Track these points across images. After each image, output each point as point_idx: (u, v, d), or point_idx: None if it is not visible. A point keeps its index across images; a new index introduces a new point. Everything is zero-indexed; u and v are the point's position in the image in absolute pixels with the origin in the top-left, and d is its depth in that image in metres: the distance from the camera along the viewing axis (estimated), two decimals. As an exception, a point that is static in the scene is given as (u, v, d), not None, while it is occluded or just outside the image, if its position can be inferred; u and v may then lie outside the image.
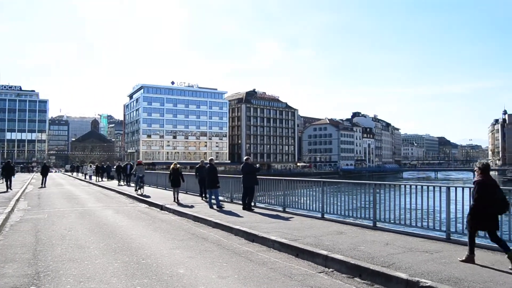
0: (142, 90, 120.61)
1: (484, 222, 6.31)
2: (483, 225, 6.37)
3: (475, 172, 6.54)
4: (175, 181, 17.12)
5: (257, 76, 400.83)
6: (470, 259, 6.41)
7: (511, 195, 7.07)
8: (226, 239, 9.12)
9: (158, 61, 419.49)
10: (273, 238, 8.37)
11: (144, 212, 14.61)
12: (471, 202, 6.51)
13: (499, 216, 6.35)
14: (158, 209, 15.35)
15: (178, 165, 17.76)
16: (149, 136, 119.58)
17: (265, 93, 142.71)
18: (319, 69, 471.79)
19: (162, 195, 20.01)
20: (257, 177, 14.03)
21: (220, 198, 14.97)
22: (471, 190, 6.65)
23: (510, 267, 6.03)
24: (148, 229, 10.67)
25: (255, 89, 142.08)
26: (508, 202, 6.43)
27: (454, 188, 8.19)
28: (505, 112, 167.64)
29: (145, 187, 23.17)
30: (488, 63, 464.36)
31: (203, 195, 17.46)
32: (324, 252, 6.97)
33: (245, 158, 14.64)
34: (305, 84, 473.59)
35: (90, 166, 48.58)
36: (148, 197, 18.91)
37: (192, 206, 14.80)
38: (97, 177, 39.24)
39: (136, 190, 21.59)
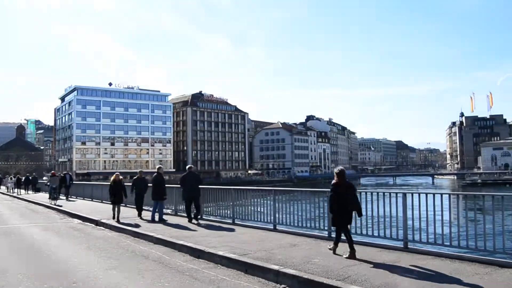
0: (76, 92, 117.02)
1: (339, 219, 8.03)
2: (339, 222, 8.07)
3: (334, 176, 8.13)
4: (117, 196, 15.35)
5: (203, 77, 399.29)
6: (351, 255, 7.69)
7: (500, 201, 7.35)
8: (169, 256, 8.96)
9: (93, 61, 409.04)
10: (220, 253, 8.31)
11: (76, 228, 14.14)
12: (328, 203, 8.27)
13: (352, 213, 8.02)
14: (93, 225, 14.91)
15: (120, 177, 16.10)
16: (83, 143, 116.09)
17: (212, 95, 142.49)
18: (269, 69, 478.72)
19: (98, 209, 19.48)
20: (204, 186, 13.96)
21: (164, 211, 14.73)
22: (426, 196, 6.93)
23: (345, 256, 7.70)
24: (81, 247, 10.32)
25: (201, 91, 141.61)
26: (358, 202, 8.11)
27: (410, 194, 8.46)
28: (462, 115, 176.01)
29: (78, 200, 23.48)
30: (445, 64, 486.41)
31: (140, 212, 15.84)
32: (275, 267, 6.98)
33: (188, 166, 14.61)
34: (255, 86, 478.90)
35: (11, 178, 46.30)
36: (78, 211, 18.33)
37: (131, 221, 14.46)
38: (20, 190, 37.82)
39: (50, 199, 23.86)
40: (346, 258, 7.66)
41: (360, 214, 8.08)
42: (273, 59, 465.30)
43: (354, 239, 8.26)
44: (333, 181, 8.07)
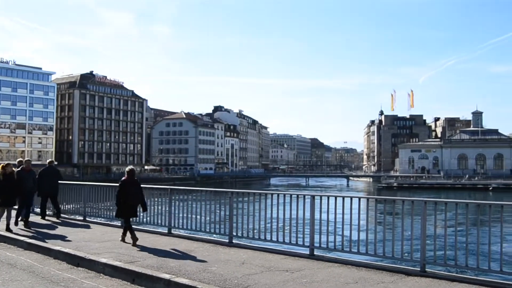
0: None
1: (122, 212, 10.51)
2: (121, 214, 10.63)
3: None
4: (7, 195, 12.28)
5: (98, 56, 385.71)
6: (134, 243, 10.00)
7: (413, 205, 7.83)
8: (41, 264, 8.66)
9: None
10: (103, 260, 8.16)
11: None
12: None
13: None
14: None
15: (14, 169, 13.01)
16: None
17: (106, 77, 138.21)
18: (175, 52, 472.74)
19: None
20: (89, 183, 13.75)
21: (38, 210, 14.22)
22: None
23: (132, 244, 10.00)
24: None
25: (93, 72, 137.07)
26: (143, 197, 10.80)
27: (319, 197, 8.83)
28: (381, 113, 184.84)
29: None
30: (368, 59, 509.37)
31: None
32: (167, 276, 6.99)
33: (48, 160, 15.29)
34: (158, 70, 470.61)
35: None
36: None
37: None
38: None
39: None
40: (132, 245, 9.88)
41: (144, 209, 11.08)
42: (181, 40, 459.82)
43: (255, 245, 8.49)
44: (122, 178, 10.63)
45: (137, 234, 11.55)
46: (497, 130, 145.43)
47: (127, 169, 10.75)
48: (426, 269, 7.41)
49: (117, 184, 10.93)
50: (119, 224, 12.87)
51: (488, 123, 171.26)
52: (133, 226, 12.56)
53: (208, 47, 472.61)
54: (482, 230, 7.26)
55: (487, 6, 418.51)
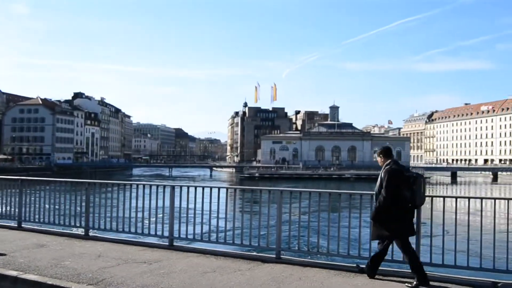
0: None
1: None
2: None
3: None
4: None
5: None
6: None
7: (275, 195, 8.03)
8: None
9: None
10: None
11: None
12: None
13: None
14: None
15: None
16: None
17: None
18: (32, 34, 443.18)
19: None
20: None
21: None
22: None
23: None
24: None
25: None
26: None
27: (179, 187, 8.86)
28: (245, 105, 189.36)
29: None
30: (229, 51, 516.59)
31: None
32: (14, 273, 6.61)
33: None
34: (12, 50, 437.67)
35: None
36: None
37: None
38: None
39: None
40: None
41: None
42: (39, 20, 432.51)
43: (113, 237, 8.34)
44: None
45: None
46: (351, 124, 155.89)
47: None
48: (281, 256, 7.77)
49: None
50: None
51: (344, 117, 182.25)
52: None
53: (68, 30, 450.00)
54: (333, 217, 7.69)
55: (345, 8, 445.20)
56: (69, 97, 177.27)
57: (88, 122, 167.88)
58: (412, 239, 6.76)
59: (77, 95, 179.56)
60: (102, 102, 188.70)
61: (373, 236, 6.80)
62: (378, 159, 6.94)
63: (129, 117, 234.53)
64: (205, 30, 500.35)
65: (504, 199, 7.26)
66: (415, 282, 6.23)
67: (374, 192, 6.84)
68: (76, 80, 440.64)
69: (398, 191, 6.43)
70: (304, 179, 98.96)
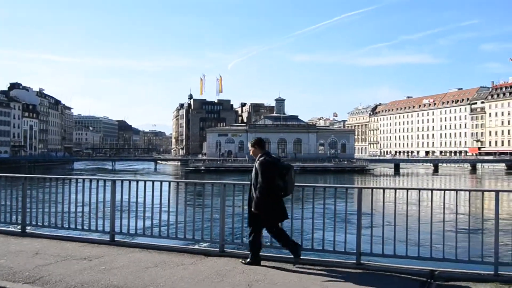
0: None
1: None
2: None
3: None
4: None
5: None
6: None
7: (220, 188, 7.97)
8: None
9: None
10: None
11: None
12: None
13: None
14: None
15: None
16: None
17: None
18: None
19: None
20: None
21: None
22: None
23: None
24: None
25: None
26: None
27: (120, 181, 8.72)
28: (190, 97, 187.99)
29: None
30: (172, 42, 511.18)
31: None
32: None
33: None
34: None
35: None
36: None
37: None
38: None
39: None
40: None
41: None
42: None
43: (51, 233, 8.15)
44: None
45: None
46: (297, 116, 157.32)
47: None
48: (225, 249, 7.79)
49: None
50: None
51: (290, 110, 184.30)
52: None
53: (5, 17, 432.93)
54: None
55: (292, 0, 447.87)
56: (5, 87, 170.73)
57: (26, 114, 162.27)
58: (353, 230, 6.96)
59: (14, 86, 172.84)
60: (40, 93, 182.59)
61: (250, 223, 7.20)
62: (252, 149, 7.77)
63: (69, 109, 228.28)
64: (151, 21, 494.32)
65: (440, 190, 7.52)
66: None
67: (252, 183, 7.30)
68: (12, 70, 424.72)
69: (272, 181, 6.97)
70: (249, 172, 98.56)
